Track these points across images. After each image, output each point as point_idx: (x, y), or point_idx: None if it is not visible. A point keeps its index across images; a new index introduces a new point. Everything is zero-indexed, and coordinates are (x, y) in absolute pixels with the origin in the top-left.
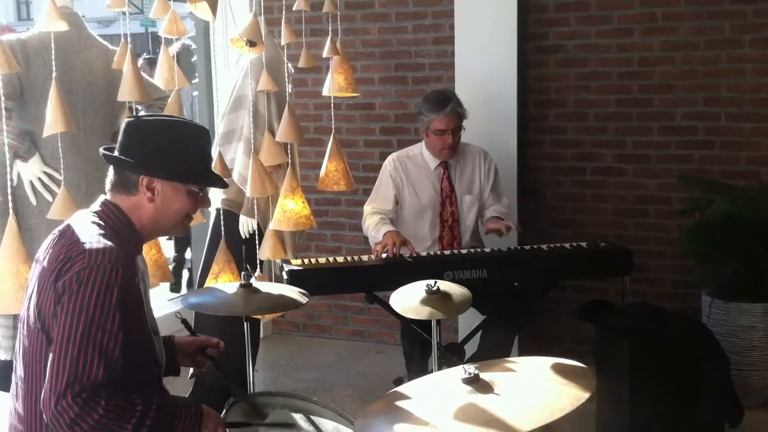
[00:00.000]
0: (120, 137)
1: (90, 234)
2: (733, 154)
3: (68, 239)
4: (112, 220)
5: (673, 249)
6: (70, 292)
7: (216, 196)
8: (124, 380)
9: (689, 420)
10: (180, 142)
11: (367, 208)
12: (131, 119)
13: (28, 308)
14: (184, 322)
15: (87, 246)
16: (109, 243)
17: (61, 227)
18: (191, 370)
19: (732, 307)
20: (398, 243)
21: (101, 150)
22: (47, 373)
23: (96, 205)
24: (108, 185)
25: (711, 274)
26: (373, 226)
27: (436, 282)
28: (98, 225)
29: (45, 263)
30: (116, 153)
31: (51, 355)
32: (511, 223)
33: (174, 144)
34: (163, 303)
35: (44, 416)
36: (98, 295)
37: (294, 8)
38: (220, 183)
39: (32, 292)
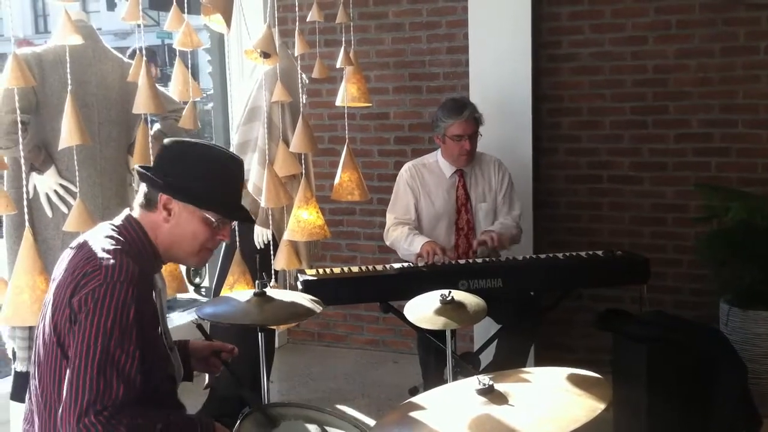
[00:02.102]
0: (156, 156)
1: (107, 249)
2: (751, 161)
3: (85, 253)
4: (131, 235)
5: (691, 257)
6: (87, 310)
7: None
8: (142, 398)
9: (706, 428)
10: (206, 167)
11: (390, 217)
12: (170, 140)
13: (44, 322)
14: (200, 327)
15: (103, 262)
16: (125, 259)
17: (79, 240)
18: (206, 380)
19: (749, 315)
20: (440, 251)
21: (136, 166)
22: (65, 391)
23: (118, 219)
24: (136, 200)
25: (728, 282)
26: (404, 237)
27: (450, 292)
28: (116, 240)
29: (62, 276)
30: (152, 172)
31: (69, 373)
32: (490, 236)
33: (199, 168)
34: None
35: None
36: (115, 314)
37: (308, 19)
38: (241, 216)
39: (48, 305)
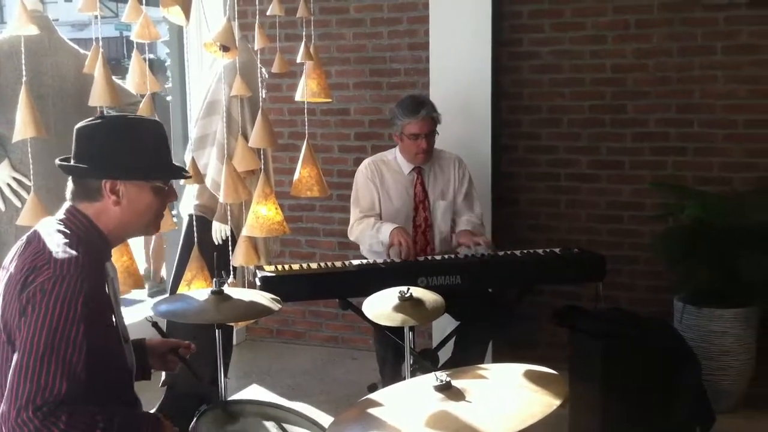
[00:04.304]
0: (73, 145)
1: (56, 243)
2: (706, 161)
3: (34, 248)
4: (78, 227)
5: (647, 255)
6: (34, 302)
7: (189, 202)
8: (94, 390)
9: (661, 424)
10: (135, 140)
11: (355, 211)
12: (81, 125)
13: None
14: (155, 325)
15: (52, 255)
16: (74, 252)
17: (27, 235)
18: (162, 378)
19: (704, 312)
20: (411, 243)
21: (57, 161)
22: (8, 384)
23: (61, 213)
24: (69, 195)
25: (683, 280)
26: (371, 226)
27: (409, 288)
28: (64, 233)
29: (11, 273)
30: (72, 162)
31: (12, 366)
32: (481, 240)
33: (129, 142)
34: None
35: (3, 428)
36: (62, 307)
37: (268, 13)
38: (183, 175)
39: None
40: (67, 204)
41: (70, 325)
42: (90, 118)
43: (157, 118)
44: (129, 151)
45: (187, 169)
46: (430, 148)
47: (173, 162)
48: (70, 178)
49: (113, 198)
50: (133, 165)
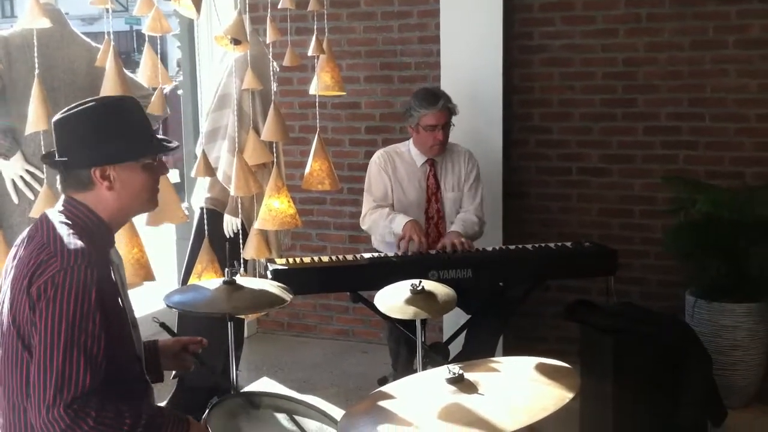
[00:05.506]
0: (54, 138)
1: (60, 235)
2: (718, 155)
3: (38, 242)
4: (79, 217)
5: (658, 249)
6: (47, 297)
7: (200, 195)
8: (109, 378)
9: (672, 419)
10: (116, 121)
11: (368, 200)
12: (57, 117)
13: (1, 313)
14: (163, 325)
15: (58, 248)
16: (80, 243)
17: (29, 229)
18: (173, 371)
19: (715, 307)
20: (423, 238)
21: (41, 158)
22: (32, 381)
23: (59, 204)
24: (60, 187)
25: (694, 274)
26: (385, 216)
27: (420, 282)
28: (66, 224)
29: (16, 267)
30: (57, 156)
31: (35, 363)
32: (448, 242)
33: (111, 125)
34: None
35: (35, 424)
36: (76, 299)
37: (279, 6)
38: (170, 147)
39: (5, 296)
40: (63, 196)
41: (86, 316)
42: (64, 109)
43: (168, 111)
44: (112, 135)
45: (194, 155)
46: (445, 139)
47: (156, 135)
48: (58, 172)
49: (106, 184)
50: (118, 147)
